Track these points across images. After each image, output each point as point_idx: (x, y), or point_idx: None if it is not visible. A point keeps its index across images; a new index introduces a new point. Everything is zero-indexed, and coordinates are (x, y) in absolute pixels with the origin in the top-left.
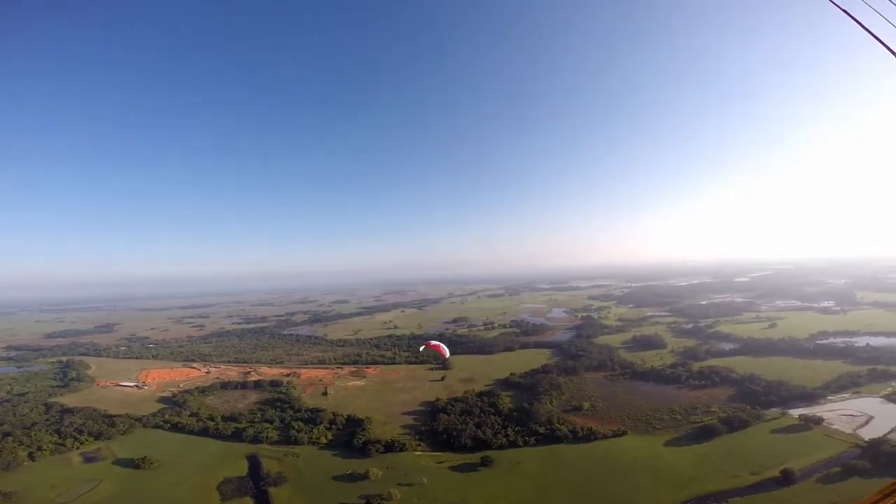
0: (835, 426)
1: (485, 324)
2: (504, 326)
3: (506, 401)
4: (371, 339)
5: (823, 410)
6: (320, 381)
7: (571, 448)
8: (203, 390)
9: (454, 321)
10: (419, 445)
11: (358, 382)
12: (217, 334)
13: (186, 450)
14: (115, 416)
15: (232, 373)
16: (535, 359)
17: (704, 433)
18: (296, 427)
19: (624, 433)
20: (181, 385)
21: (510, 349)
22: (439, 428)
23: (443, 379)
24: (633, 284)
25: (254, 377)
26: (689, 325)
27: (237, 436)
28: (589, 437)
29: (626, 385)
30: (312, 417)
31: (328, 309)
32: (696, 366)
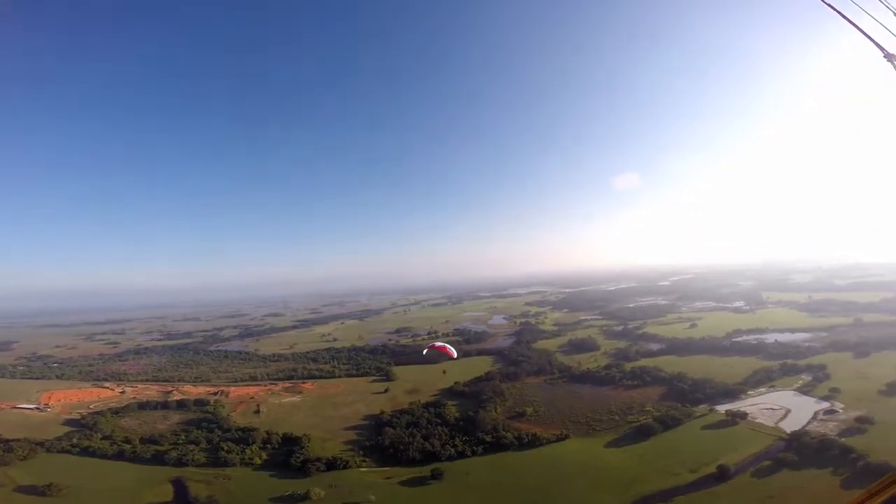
0: (758, 420)
1: (429, 333)
2: (447, 335)
3: (452, 410)
4: (308, 352)
5: (746, 405)
6: (252, 398)
7: (518, 455)
8: (117, 411)
9: (397, 331)
10: (364, 461)
11: (294, 398)
12: (134, 351)
13: (100, 475)
14: (13, 440)
15: (151, 392)
16: (479, 366)
17: (642, 432)
18: (225, 448)
19: (567, 437)
20: (91, 406)
21: (454, 358)
22: (385, 442)
23: (386, 391)
24: (566, 290)
25: (176, 396)
26: (620, 328)
27: (158, 459)
28: (534, 442)
29: (566, 388)
30: (244, 437)
31: (260, 323)
32: (629, 366)
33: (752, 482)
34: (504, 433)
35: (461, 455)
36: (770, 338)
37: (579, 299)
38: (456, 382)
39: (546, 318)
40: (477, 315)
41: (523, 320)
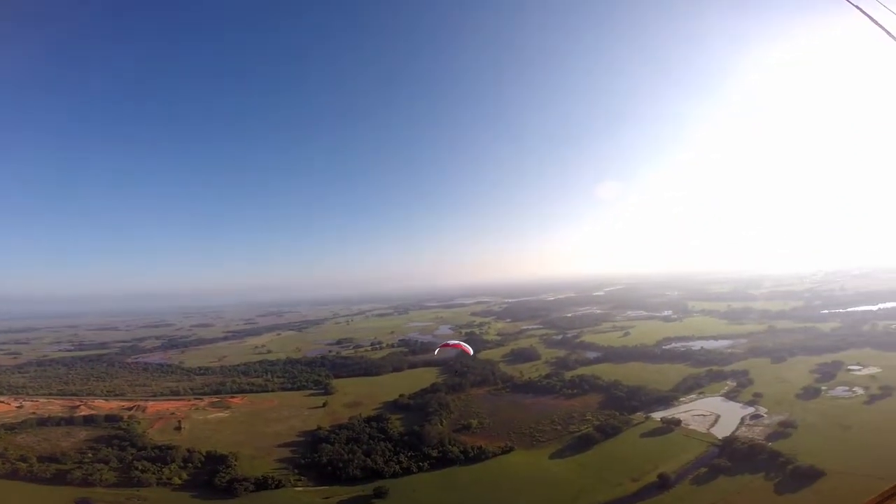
0: (692, 426)
1: (372, 344)
2: (392, 346)
3: (396, 424)
4: (239, 365)
5: (679, 412)
6: (172, 414)
7: (464, 470)
8: (12, 427)
9: (338, 342)
10: (300, 480)
11: (221, 414)
12: (37, 363)
13: None
14: None
15: (54, 407)
16: (424, 378)
17: (583, 442)
18: (140, 467)
19: (512, 449)
20: None
21: (398, 369)
22: (322, 459)
23: (325, 405)
24: (510, 300)
25: (83, 412)
26: (559, 337)
27: (60, 478)
28: (480, 456)
29: (509, 399)
30: (162, 455)
31: (187, 333)
32: (568, 375)
33: (693, 490)
34: (450, 447)
35: (406, 471)
36: (696, 345)
37: (522, 309)
38: (400, 395)
39: (490, 328)
40: (423, 325)
41: (469, 330)
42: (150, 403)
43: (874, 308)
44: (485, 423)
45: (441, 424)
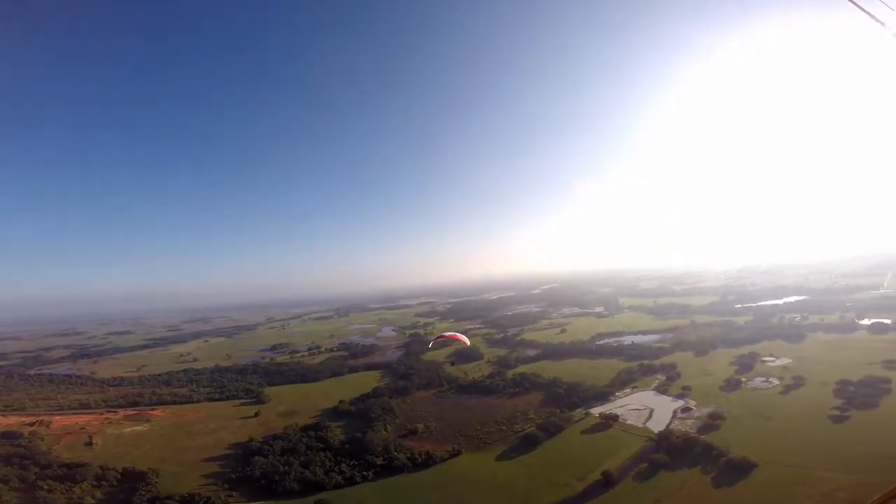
0: (629, 421)
1: (310, 349)
2: (331, 350)
3: (337, 432)
4: (159, 375)
5: (616, 407)
6: (82, 429)
7: (412, 477)
8: None
9: (272, 348)
10: (231, 496)
11: (138, 428)
12: None
13: None
14: None
15: None
16: (366, 382)
17: (528, 442)
18: (46, 486)
19: (459, 452)
20: None
21: (338, 374)
22: (255, 473)
23: (257, 415)
24: (453, 300)
25: None
26: (500, 336)
27: None
28: (427, 461)
29: (454, 400)
30: (71, 474)
31: (102, 342)
32: (510, 373)
33: (636, 486)
34: (396, 454)
35: (350, 482)
36: (627, 340)
37: (465, 309)
38: (340, 401)
39: (434, 328)
40: (365, 328)
41: (413, 331)
42: (56, 418)
43: (780, 302)
44: (431, 427)
45: (385, 430)
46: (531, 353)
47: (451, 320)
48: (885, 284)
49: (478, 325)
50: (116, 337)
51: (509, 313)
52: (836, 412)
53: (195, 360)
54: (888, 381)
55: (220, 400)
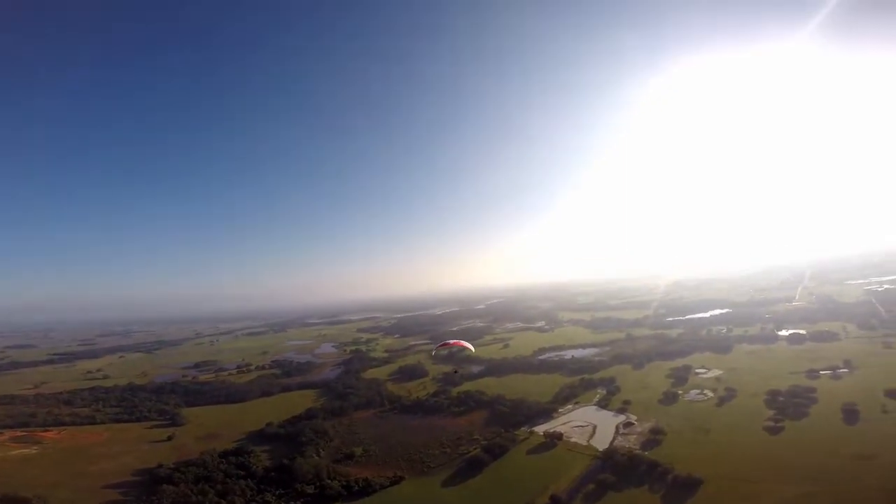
0: (573, 439)
1: (238, 366)
2: (263, 368)
3: (261, 458)
4: (60, 393)
5: (559, 424)
6: None
7: None
8: None
9: (196, 366)
10: None
11: (26, 450)
12: None
13: None
14: None
15: None
16: (299, 402)
17: (473, 466)
18: None
19: (401, 479)
20: None
21: (269, 394)
22: (163, 502)
23: (170, 438)
24: (399, 315)
25: None
26: (445, 352)
27: None
28: (366, 489)
29: (397, 421)
30: None
31: None
32: (455, 391)
33: None
34: (329, 481)
35: None
36: (568, 354)
37: (411, 324)
38: (268, 423)
39: (378, 344)
40: (303, 344)
41: (354, 348)
42: None
43: (707, 315)
44: (370, 451)
45: (318, 455)
46: (476, 369)
47: (396, 336)
48: (797, 297)
49: (423, 341)
50: (16, 351)
51: (455, 328)
52: (771, 423)
53: (105, 377)
54: (813, 390)
55: (128, 422)
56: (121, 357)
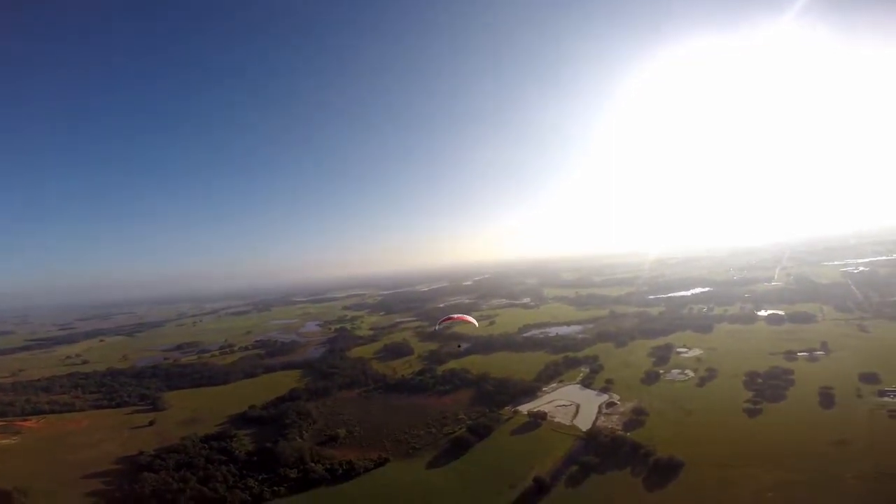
0: (557, 419)
1: (221, 348)
2: (246, 348)
3: (244, 442)
4: (38, 380)
5: (543, 403)
6: None
7: (332, 491)
8: None
9: (179, 348)
10: None
11: (5, 441)
12: None
13: None
14: None
15: None
16: (283, 383)
17: (459, 446)
18: None
19: (386, 461)
20: None
21: (252, 375)
22: (145, 491)
23: (151, 424)
24: (385, 292)
25: None
26: (431, 329)
27: None
28: (350, 472)
29: (382, 400)
30: None
31: None
32: (440, 370)
33: (569, 493)
34: (313, 465)
35: (258, 499)
36: (553, 331)
37: (396, 301)
38: (251, 406)
39: (363, 322)
40: (287, 323)
41: (339, 326)
42: None
43: (688, 293)
44: (354, 432)
45: (301, 438)
46: (462, 346)
47: (382, 313)
48: (776, 277)
49: (409, 318)
50: None
51: (441, 305)
52: (750, 405)
53: (85, 362)
54: (791, 372)
55: (109, 408)
56: (101, 341)
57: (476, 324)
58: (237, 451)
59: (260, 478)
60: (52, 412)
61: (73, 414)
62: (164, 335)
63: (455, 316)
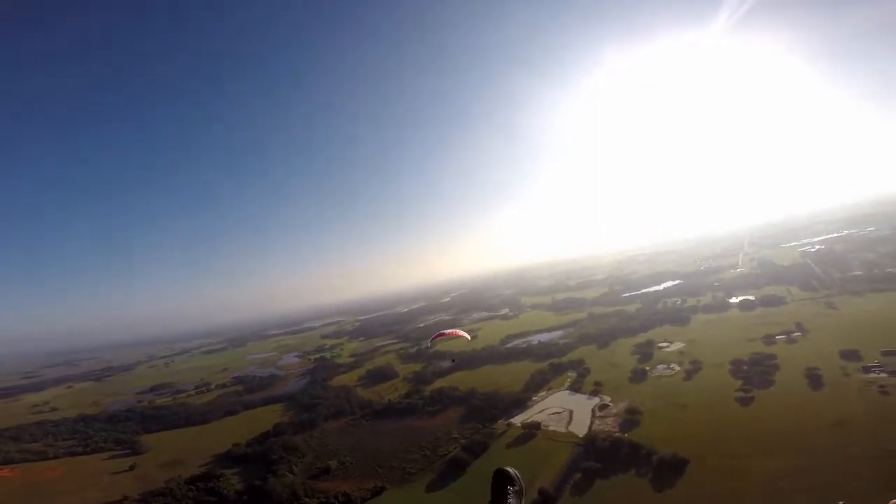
0: (551, 427)
1: (197, 387)
2: (224, 386)
3: (232, 481)
4: (6, 429)
5: (535, 413)
6: None
7: None
8: None
9: (152, 389)
10: None
11: None
12: None
13: None
14: None
15: None
16: (265, 418)
17: (456, 466)
18: None
19: (383, 489)
20: None
21: (232, 413)
22: None
23: (132, 468)
24: (363, 317)
25: None
26: (414, 349)
27: None
28: None
29: (370, 428)
30: None
31: None
32: (428, 390)
33: (576, 502)
34: (307, 500)
35: None
36: (535, 339)
37: (375, 325)
38: (234, 444)
39: (343, 349)
40: (264, 357)
41: (318, 356)
42: None
43: (660, 288)
44: (346, 462)
45: (291, 473)
46: (446, 364)
47: (361, 339)
48: (740, 264)
49: (390, 341)
50: None
51: (421, 325)
52: (741, 394)
53: (53, 409)
54: (773, 356)
55: (84, 454)
56: (69, 387)
57: (469, 337)
58: (226, 491)
59: None
60: (25, 461)
61: (48, 462)
62: (135, 378)
63: (447, 332)
